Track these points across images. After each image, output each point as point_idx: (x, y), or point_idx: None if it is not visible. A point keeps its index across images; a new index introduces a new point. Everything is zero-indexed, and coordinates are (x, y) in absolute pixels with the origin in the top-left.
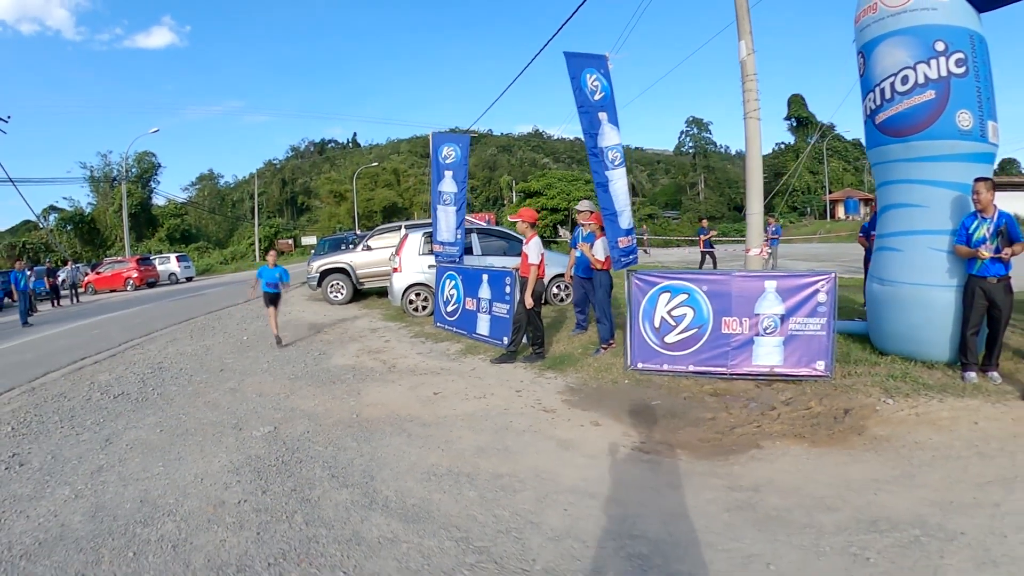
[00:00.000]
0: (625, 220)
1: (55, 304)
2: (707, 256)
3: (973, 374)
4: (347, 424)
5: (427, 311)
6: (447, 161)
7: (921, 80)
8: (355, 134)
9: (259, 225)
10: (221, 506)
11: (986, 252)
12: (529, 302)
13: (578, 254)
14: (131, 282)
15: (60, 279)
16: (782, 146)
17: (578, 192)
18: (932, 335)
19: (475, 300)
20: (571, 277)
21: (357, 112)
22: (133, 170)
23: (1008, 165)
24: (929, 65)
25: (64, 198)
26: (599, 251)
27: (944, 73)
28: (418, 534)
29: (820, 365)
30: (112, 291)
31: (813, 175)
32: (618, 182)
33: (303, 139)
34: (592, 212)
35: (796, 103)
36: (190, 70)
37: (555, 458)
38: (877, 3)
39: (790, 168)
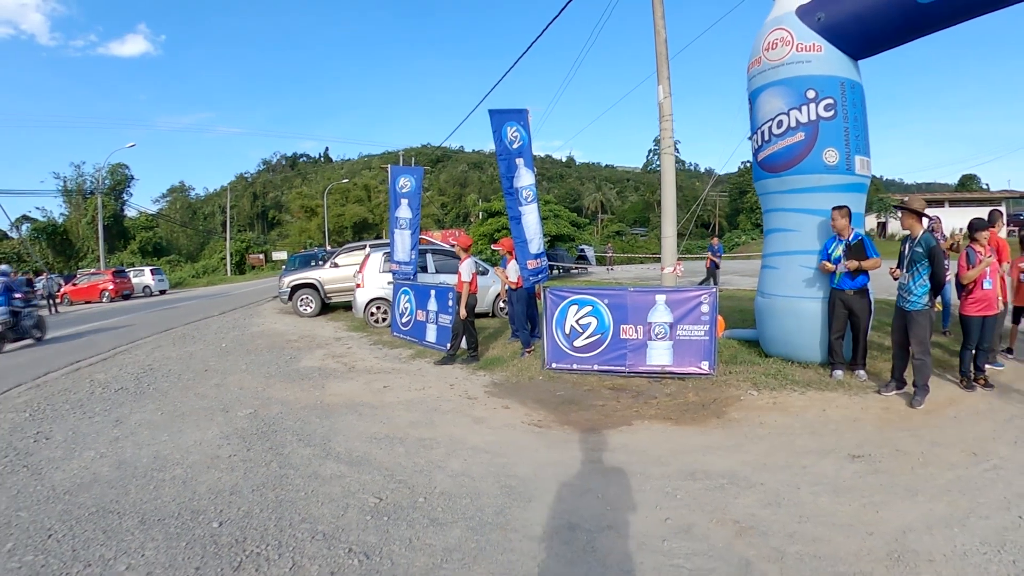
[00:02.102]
0: (535, 247)
1: None
2: (710, 273)
3: (840, 372)
4: (312, 408)
5: (386, 322)
6: (403, 191)
7: (793, 124)
8: (327, 149)
9: (230, 239)
10: (215, 459)
11: (831, 266)
12: (463, 313)
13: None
14: (107, 294)
15: (36, 290)
16: (747, 164)
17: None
18: (804, 339)
19: (425, 312)
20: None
21: (329, 127)
22: (106, 182)
23: (968, 181)
24: (800, 111)
25: (36, 208)
26: (511, 273)
27: (813, 117)
28: (358, 472)
29: (704, 364)
30: (87, 302)
31: None
32: (529, 216)
33: (275, 152)
34: (502, 239)
35: None
36: (163, 80)
37: (467, 429)
38: (761, 57)
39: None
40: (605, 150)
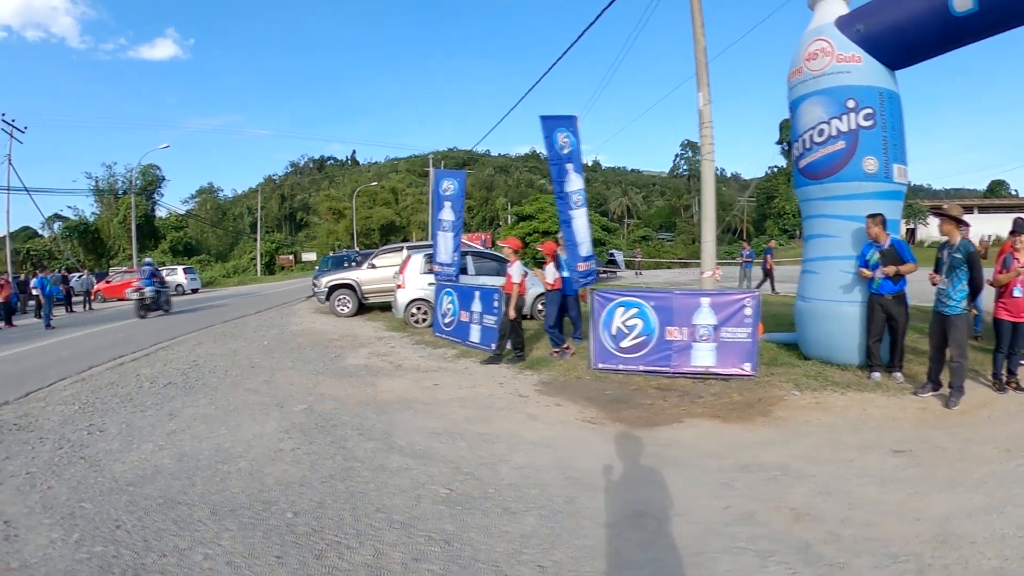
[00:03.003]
0: (584, 249)
1: (68, 310)
2: (767, 275)
3: (878, 374)
4: (366, 404)
5: (426, 323)
6: (446, 193)
7: (834, 132)
8: (354, 152)
9: (260, 240)
10: (279, 452)
11: (870, 272)
12: (511, 314)
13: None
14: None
15: (72, 286)
16: (774, 169)
17: None
18: (844, 342)
19: (468, 313)
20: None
21: (356, 130)
22: (137, 182)
23: (996, 187)
24: (841, 120)
25: (68, 207)
26: (548, 275)
27: (853, 126)
28: (424, 465)
29: (747, 366)
30: (120, 300)
31: None
32: (579, 220)
33: (303, 155)
34: (545, 242)
35: (788, 128)
36: (192, 83)
37: (523, 425)
38: (802, 67)
39: (782, 191)
40: (630, 154)
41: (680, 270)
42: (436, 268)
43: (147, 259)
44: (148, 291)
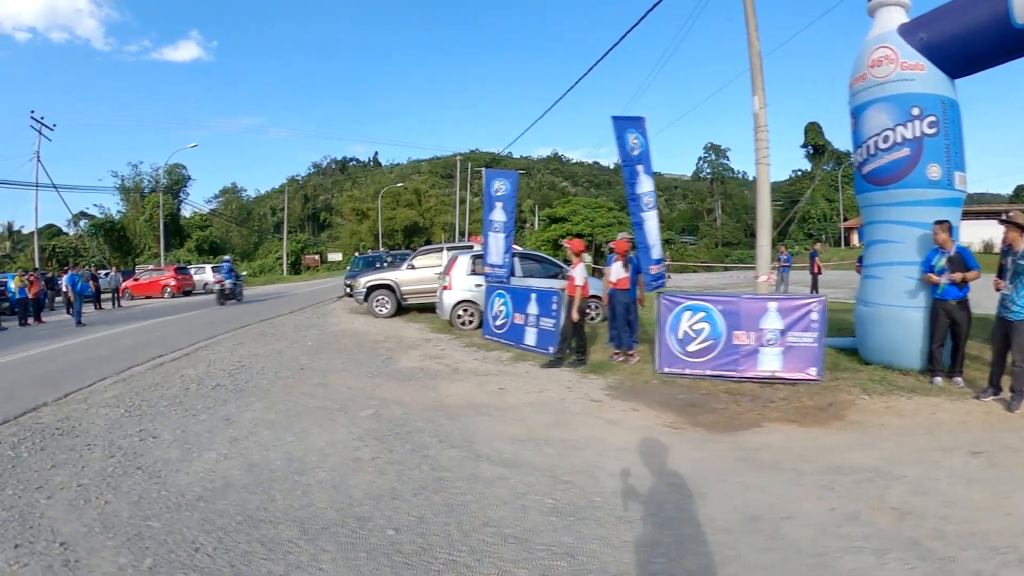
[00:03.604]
0: (656, 252)
1: (97, 307)
2: (816, 278)
3: (940, 379)
4: (434, 408)
5: (473, 325)
6: (498, 194)
7: (899, 139)
8: (376, 153)
9: (286, 240)
10: (358, 461)
11: (937, 278)
12: (575, 316)
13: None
14: (168, 290)
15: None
16: (798, 173)
17: (601, 219)
18: (906, 347)
19: (523, 315)
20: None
21: (378, 131)
22: (163, 181)
23: (1022, 191)
24: (906, 127)
25: (94, 205)
26: (613, 273)
27: (918, 133)
28: (519, 474)
29: (812, 371)
30: (148, 297)
31: (829, 203)
32: (650, 222)
33: (325, 156)
34: (620, 240)
35: (812, 131)
36: (215, 84)
37: (605, 431)
38: (866, 74)
39: (806, 195)
40: (652, 157)
41: (705, 274)
42: (487, 269)
43: (226, 258)
44: (228, 283)
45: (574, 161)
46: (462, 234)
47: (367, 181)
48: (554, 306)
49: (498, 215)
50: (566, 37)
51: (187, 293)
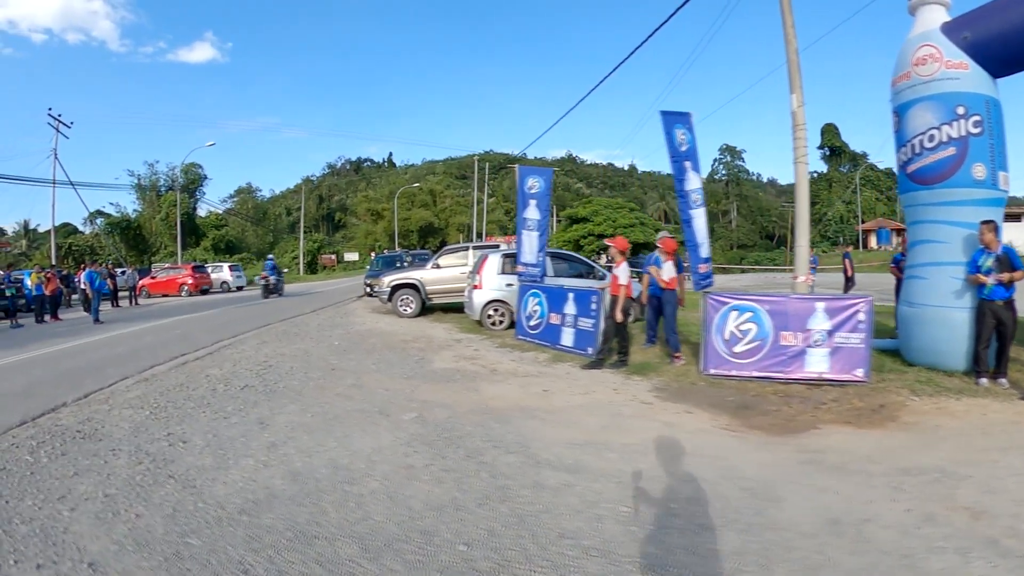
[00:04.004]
0: (704, 250)
1: (114, 304)
2: (849, 281)
3: (985, 380)
4: (480, 412)
5: (503, 325)
6: (532, 191)
7: (944, 138)
8: (391, 154)
9: (303, 239)
10: (411, 469)
11: (984, 278)
12: (619, 316)
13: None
14: (186, 288)
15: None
16: (815, 175)
17: (623, 219)
18: (951, 348)
19: (560, 315)
20: (646, 298)
21: (392, 132)
22: (180, 180)
23: None
24: (951, 126)
25: (110, 203)
26: (666, 273)
27: (964, 133)
28: (585, 480)
29: (859, 372)
30: (165, 295)
31: (846, 205)
32: (699, 219)
33: (339, 157)
34: (666, 239)
35: (829, 132)
36: (230, 85)
37: (665, 434)
38: (911, 72)
39: (823, 196)
40: (665, 158)
41: (723, 276)
42: (520, 269)
43: (269, 256)
44: (272, 279)
45: (588, 162)
46: (479, 235)
47: (381, 182)
48: (593, 306)
49: (532, 213)
50: (580, 38)
51: (204, 291)
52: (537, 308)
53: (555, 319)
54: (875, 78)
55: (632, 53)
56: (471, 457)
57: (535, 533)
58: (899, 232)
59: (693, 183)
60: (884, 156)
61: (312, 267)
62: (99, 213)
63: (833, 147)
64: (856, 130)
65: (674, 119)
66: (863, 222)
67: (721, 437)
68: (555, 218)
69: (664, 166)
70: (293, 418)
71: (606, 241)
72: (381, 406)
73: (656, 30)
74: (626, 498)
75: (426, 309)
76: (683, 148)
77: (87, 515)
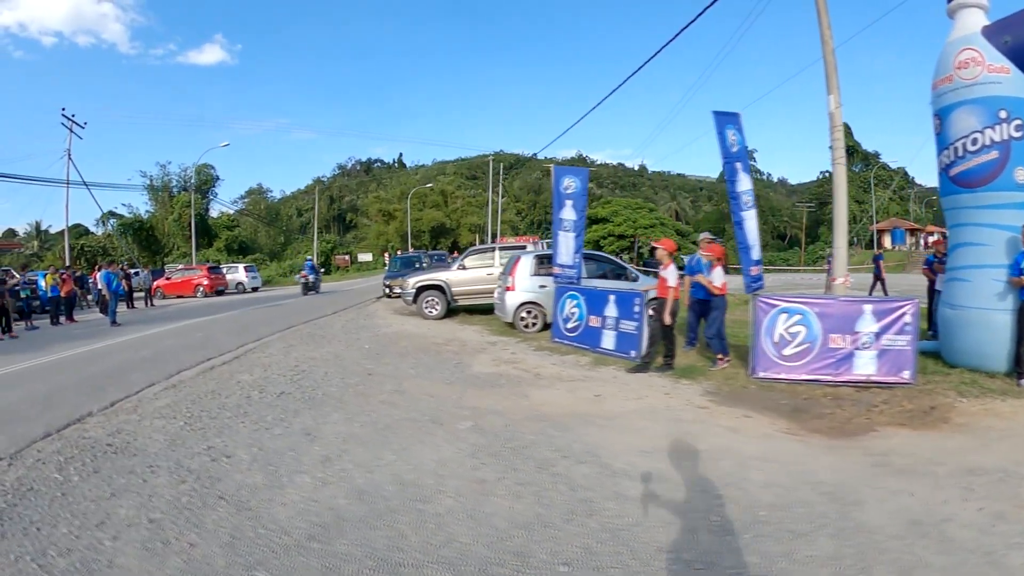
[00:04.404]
0: (755, 253)
1: (130, 305)
2: (880, 282)
3: None
4: (536, 419)
5: (536, 327)
6: (568, 191)
7: (987, 142)
8: (401, 154)
9: (316, 240)
10: (483, 483)
11: None
12: (667, 319)
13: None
14: (201, 289)
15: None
16: (827, 174)
17: (643, 220)
18: (993, 350)
19: (600, 318)
20: (688, 301)
21: (402, 133)
22: (192, 180)
23: None
24: (994, 130)
25: (123, 204)
26: (717, 279)
27: (1006, 136)
28: (667, 491)
29: (906, 374)
30: (180, 296)
31: (859, 204)
32: (750, 221)
33: (350, 157)
34: (710, 243)
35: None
36: (240, 87)
37: (729, 440)
38: (953, 75)
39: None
40: (677, 158)
41: (736, 277)
42: (556, 270)
43: (308, 257)
44: (311, 277)
45: (599, 163)
46: (493, 236)
47: (392, 182)
48: (636, 309)
49: (568, 213)
50: (590, 38)
51: (220, 292)
52: (575, 310)
53: (595, 321)
54: (887, 79)
55: (659, 51)
56: (543, 469)
57: (633, 548)
58: (913, 232)
59: (744, 184)
60: (897, 156)
61: (326, 268)
62: (111, 214)
63: (846, 147)
64: (868, 130)
65: (725, 119)
66: (877, 222)
67: (785, 441)
68: None
69: (674, 166)
70: (340, 428)
71: (653, 243)
72: (432, 414)
73: (685, 27)
74: (713, 507)
75: (451, 311)
76: (734, 149)
77: (133, 545)
